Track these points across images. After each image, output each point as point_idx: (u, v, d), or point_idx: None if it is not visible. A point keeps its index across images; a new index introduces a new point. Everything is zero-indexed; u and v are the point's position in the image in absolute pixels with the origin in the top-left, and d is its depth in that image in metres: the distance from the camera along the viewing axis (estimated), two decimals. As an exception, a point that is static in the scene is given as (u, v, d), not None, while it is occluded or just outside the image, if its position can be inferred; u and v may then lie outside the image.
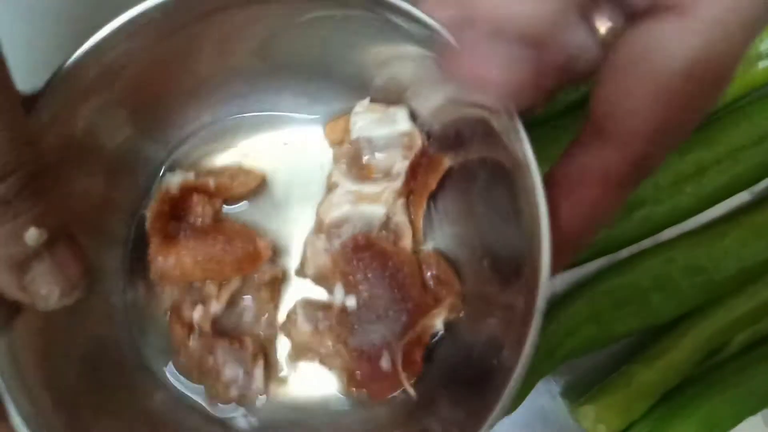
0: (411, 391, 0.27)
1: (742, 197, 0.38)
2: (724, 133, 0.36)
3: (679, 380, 0.35)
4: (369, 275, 0.28)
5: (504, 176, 0.24)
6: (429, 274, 0.29)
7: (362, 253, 0.28)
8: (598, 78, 0.21)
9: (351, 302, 0.28)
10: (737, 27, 0.18)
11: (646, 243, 0.37)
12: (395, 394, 0.28)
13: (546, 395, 0.36)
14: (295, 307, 0.29)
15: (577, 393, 0.36)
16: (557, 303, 0.35)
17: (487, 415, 0.22)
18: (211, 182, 0.29)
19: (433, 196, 0.29)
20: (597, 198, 0.21)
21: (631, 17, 0.20)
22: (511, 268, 0.25)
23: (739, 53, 0.19)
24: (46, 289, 0.19)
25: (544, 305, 0.21)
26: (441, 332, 0.28)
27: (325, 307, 0.29)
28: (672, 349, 0.35)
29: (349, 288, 0.28)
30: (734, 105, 0.37)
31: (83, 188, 0.26)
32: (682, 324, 0.35)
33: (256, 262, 0.29)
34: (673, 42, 0.19)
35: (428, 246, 0.30)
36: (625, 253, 0.37)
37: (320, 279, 0.29)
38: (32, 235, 0.18)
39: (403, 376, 0.27)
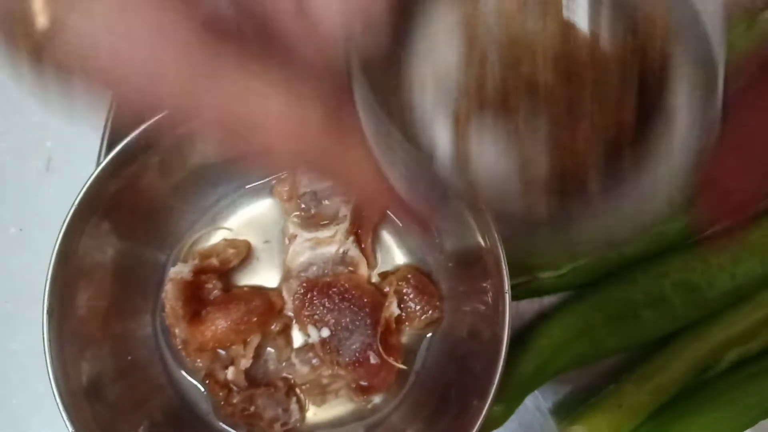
0: (401, 366, 0.32)
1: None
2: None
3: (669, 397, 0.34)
4: (327, 306, 0.33)
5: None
6: (409, 285, 0.33)
7: (312, 294, 0.33)
8: None
9: (325, 333, 0.32)
10: None
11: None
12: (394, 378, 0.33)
13: (535, 412, 0.36)
14: (290, 357, 0.33)
15: (566, 410, 0.35)
16: (547, 318, 0.34)
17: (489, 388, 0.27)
18: (215, 261, 0.33)
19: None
20: None
21: None
22: (473, 263, 0.30)
23: None
24: None
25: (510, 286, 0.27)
26: (430, 333, 0.34)
27: (310, 346, 0.33)
28: (663, 370, 0.34)
29: (319, 323, 0.33)
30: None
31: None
32: (674, 342, 0.35)
33: (276, 312, 0.34)
34: None
35: (404, 262, 0.35)
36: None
37: (297, 320, 0.34)
38: None
39: (390, 359, 0.32)
